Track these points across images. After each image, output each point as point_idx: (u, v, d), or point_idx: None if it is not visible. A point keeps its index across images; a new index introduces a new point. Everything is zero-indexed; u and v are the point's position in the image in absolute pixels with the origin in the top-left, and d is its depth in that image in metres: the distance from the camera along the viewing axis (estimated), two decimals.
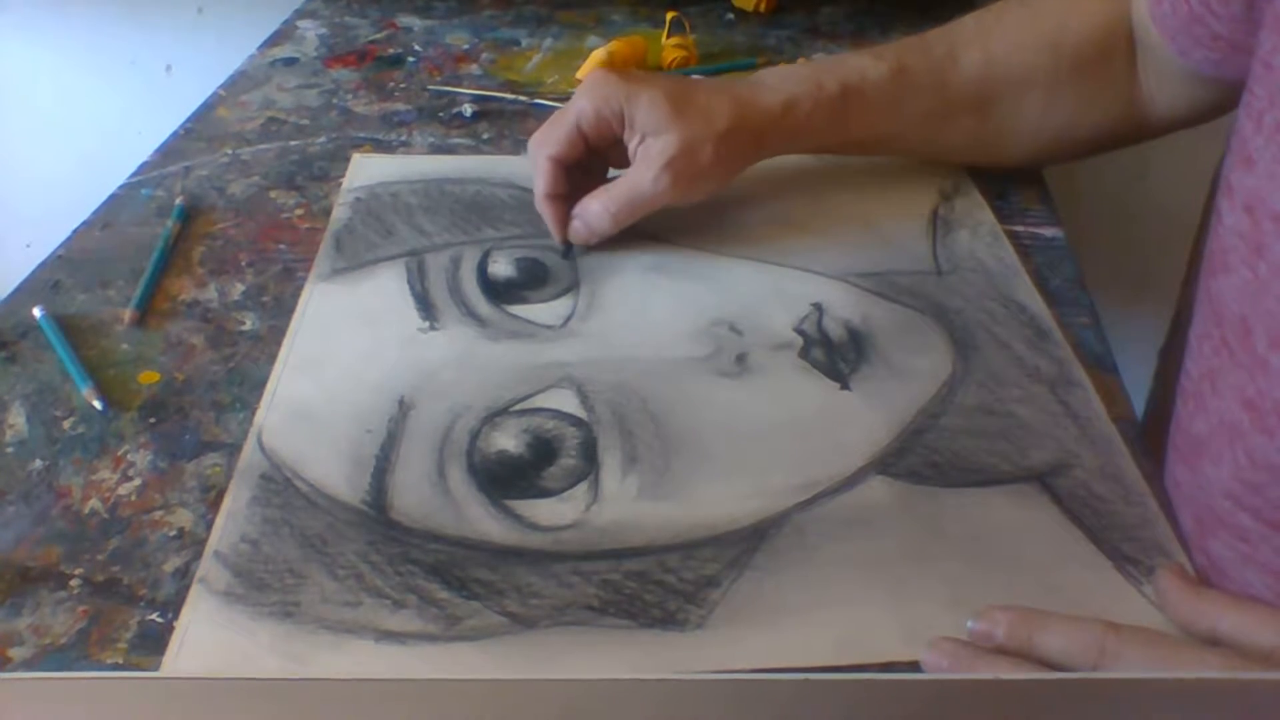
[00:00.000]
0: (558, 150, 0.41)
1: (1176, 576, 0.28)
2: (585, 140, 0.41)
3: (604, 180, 0.42)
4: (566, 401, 0.35)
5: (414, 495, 0.32)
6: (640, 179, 0.40)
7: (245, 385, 0.37)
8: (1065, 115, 0.44)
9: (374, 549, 0.30)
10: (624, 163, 0.42)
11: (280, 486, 0.32)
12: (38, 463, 0.33)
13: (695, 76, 0.45)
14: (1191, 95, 0.42)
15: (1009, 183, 0.48)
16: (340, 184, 0.48)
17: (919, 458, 0.33)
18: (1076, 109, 0.44)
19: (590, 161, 0.42)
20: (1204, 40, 0.37)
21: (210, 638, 0.27)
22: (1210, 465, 0.30)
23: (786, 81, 0.42)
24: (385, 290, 0.41)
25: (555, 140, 0.41)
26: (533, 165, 0.42)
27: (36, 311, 0.40)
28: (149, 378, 0.37)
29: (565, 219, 0.42)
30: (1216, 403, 0.30)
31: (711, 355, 0.38)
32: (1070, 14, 0.43)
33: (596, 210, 0.41)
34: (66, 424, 0.35)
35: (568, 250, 0.42)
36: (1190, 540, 0.30)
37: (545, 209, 0.42)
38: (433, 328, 0.39)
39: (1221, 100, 0.41)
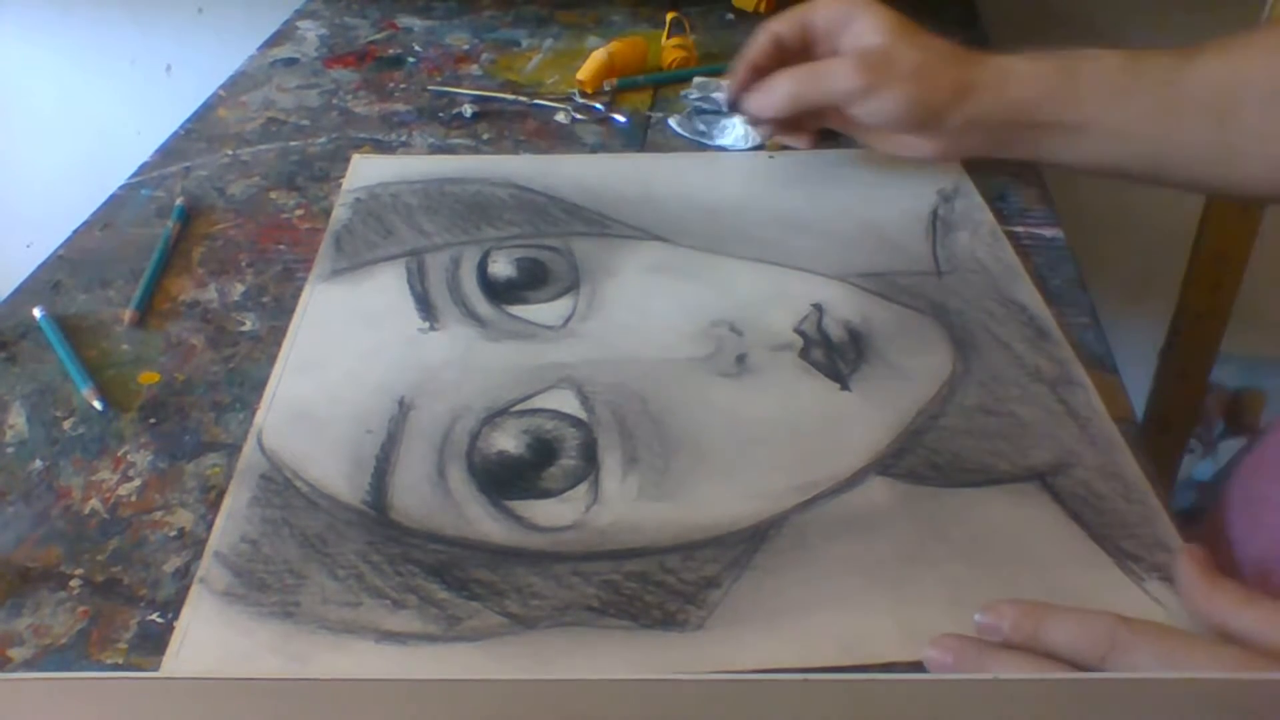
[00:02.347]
0: (781, 26, 0.42)
1: (1197, 564, 0.27)
2: (810, 30, 0.42)
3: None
4: (566, 402, 0.35)
5: (414, 496, 0.32)
6: (830, 62, 0.40)
7: (245, 385, 0.37)
8: None
9: (374, 549, 0.30)
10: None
11: (280, 487, 0.32)
12: (38, 463, 0.33)
13: None
14: None
15: (1009, 183, 0.48)
16: (340, 184, 0.48)
17: (919, 458, 0.33)
18: None
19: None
20: None
21: (211, 638, 0.27)
22: None
23: (1007, 55, 0.40)
24: (385, 290, 0.41)
25: (783, 19, 0.42)
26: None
27: (36, 311, 0.40)
28: (149, 378, 0.37)
29: (747, 85, 0.43)
30: None
31: (711, 356, 0.38)
32: None
33: (776, 80, 0.41)
34: (66, 424, 0.35)
35: (731, 111, 0.45)
36: (1253, 562, 0.29)
37: (739, 68, 0.43)
38: (433, 328, 0.39)
39: None
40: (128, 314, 0.40)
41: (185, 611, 0.28)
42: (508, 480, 0.32)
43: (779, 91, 0.41)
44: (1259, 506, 0.33)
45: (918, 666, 0.27)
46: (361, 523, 0.31)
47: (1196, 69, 0.38)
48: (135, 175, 0.49)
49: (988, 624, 0.27)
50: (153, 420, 0.35)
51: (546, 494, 0.32)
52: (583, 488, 0.32)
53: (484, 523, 0.31)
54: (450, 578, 0.29)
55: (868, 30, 0.40)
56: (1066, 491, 0.32)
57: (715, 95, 0.54)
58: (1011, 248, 0.44)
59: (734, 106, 0.44)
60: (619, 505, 0.31)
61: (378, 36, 0.65)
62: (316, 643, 0.27)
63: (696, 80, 0.55)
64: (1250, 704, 0.20)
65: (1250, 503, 0.34)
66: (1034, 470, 0.33)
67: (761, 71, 0.43)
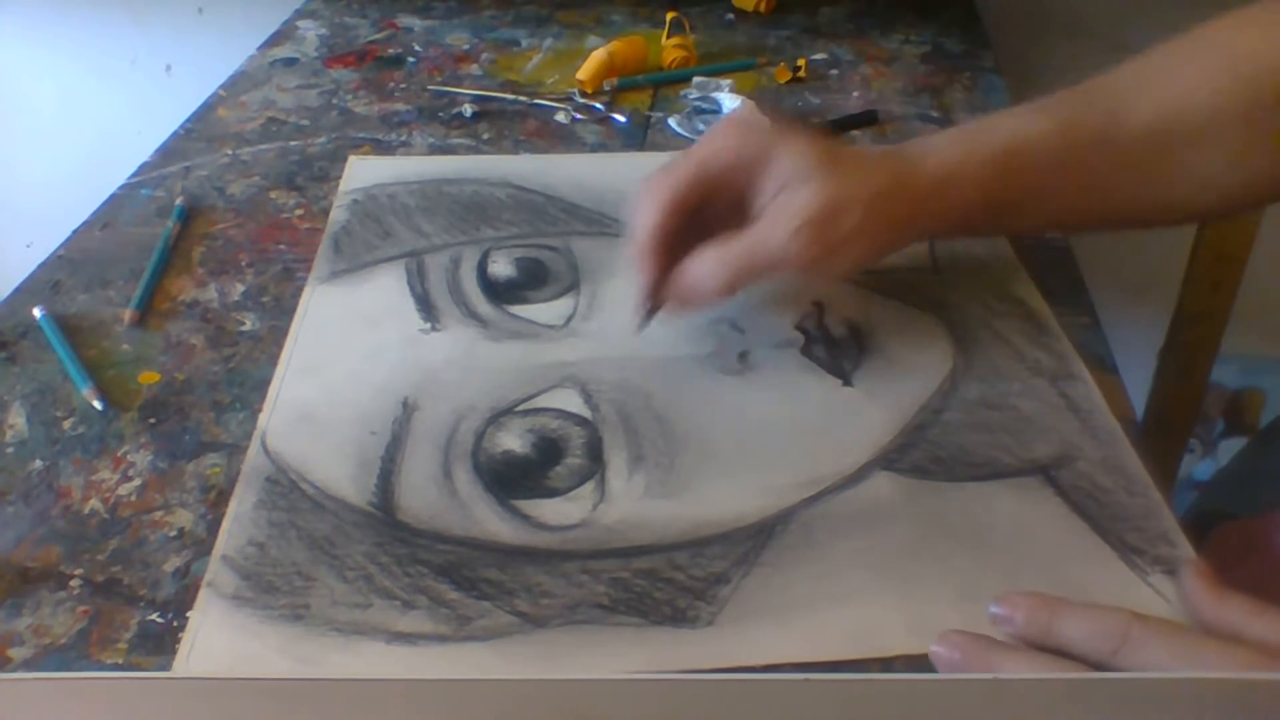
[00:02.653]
0: (676, 192, 0.32)
1: (1201, 577, 0.27)
2: (712, 182, 0.33)
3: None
4: (570, 401, 0.35)
5: (421, 496, 0.32)
6: (770, 234, 0.32)
7: (245, 385, 0.36)
8: (1265, 161, 0.37)
9: (382, 550, 0.30)
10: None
11: (286, 489, 0.32)
12: (38, 463, 0.33)
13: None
14: None
15: None
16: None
17: (923, 452, 0.33)
18: (1274, 154, 0.36)
19: (693, 232, 0.34)
20: None
21: (220, 642, 0.27)
22: None
23: (938, 148, 0.35)
24: (385, 291, 0.41)
25: (678, 174, 0.33)
26: (639, 206, 0.33)
27: (36, 311, 0.39)
28: (149, 378, 0.37)
29: (658, 278, 0.33)
30: None
31: (714, 353, 0.38)
32: (1261, 47, 0.36)
33: (707, 267, 0.32)
34: (66, 424, 0.35)
35: (646, 322, 0.34)
36: None
37: (643, 260, 0.33)
38: (434, 328, 0.39)
39: None
40: (128, 314, 0.39)
41: (194, 615, 0.28)
42: (514, 480, 0.32)
43: (713, 279, 0.32)
44: None
45: (925, 659, 0.27)
46: (369, 524, 0.31)
47: (1132, 114, 0.36)
48: (135, 175, 0.49)
49: (1002, 615, 0.27)
50: (153, 420, 0.35)
51: (553, 493, 0.32)
52: (589, 486, 0.32)
53: (491, 522, 0.31)
54: (459, 578, 0.29)
55: (789, 172, 0.32)
56: (1069, 485, 0.32)
57: (715, 95, 0.54)
58: (1008, 244, 0.44)
59: (652, 309, 0.33)
60: (626, 503, 0.31)
61: (378, 36, 0.65)
62: (327, 645, 0.27)
63: (696, 80, 0.55)
64: (1264, 704, 0.20)
65: None
66: (1037, 464, 0.33)
67: (667, 256, 0.33)
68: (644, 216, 0.33)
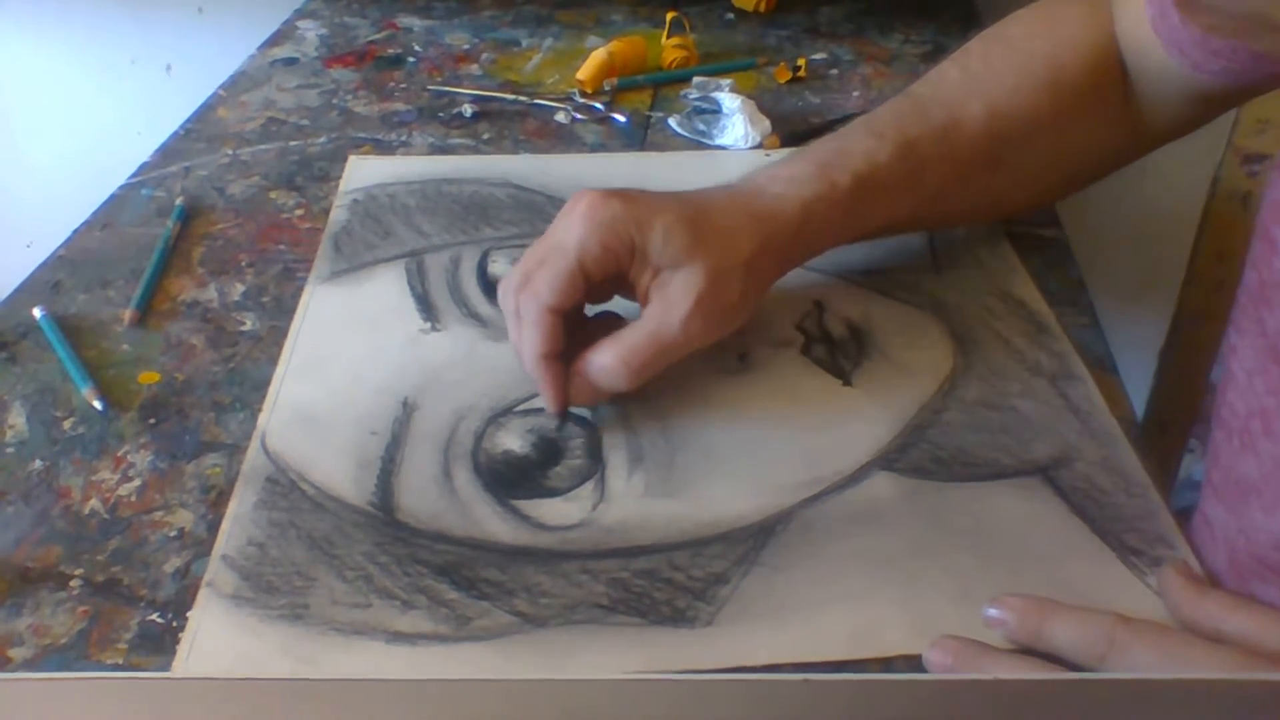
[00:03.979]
0: (558, 298, 0.32)
1: (1181, 575, 0.28)
2: (588, 282, 0.33)
3: (584, 319, 0.35)
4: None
5: (420, 496, 0.32)
6: (666, 322, 0.33)
7: (245, 385, 0.36)
8: (1073, 151, 0.42)
9: (382, 550, 0.30)
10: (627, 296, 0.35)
11: (286, 489, 0.32)
12: (38, 463, 0.33)
13: (699, 190, 0.36)
14: (1195, 105, 0.40)
15: None
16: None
17: (923, 453, 0.33)
18: (1083, 142, 0.41)
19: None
20: (1223, 52, 0.36)
21: (220, 641, 0.27)
22: (1260, 512, 0.29)
23: (797, 185, 0.36)
24: (386, 291, 0.41)
25: (554, 286, 0.32)
26: (518, 314, 0.33)
27: (36, 311, 0.39)
28: (149, 378, 0.37)
29: (565, 381, 0.33)
30: (1270, 446, 0.28)
31: (714, 353, 0.37)
32: (1059, 48, 0.41)
33: (608, 364, 0.33)
34: (66, 424, 0.35)
35: (564, 422, 0.34)
36: (1226, 581, 0.29)
37: (543, 371, 0.33)
38: (434, 328, 0.39)
39: (1227, 102, 0.40)
40: (128, 314, 0.39)
41: (194, 615, 0.28)
42: (514, 480, 0.32)
43: (619, 374, 0.33)
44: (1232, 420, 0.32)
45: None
46: (369, 524, 0.31)
47: (965, 130, 0.39)
48: (135, 175, 0.49)
49: (996, 618, 0.27)
50: (153, 420, 0.35)
51: (553, 493, 0.32)
52: (589, 486, 0.32)
53: (491, 522, 0.31)
54: (459, 577, 0.29)
55: (660, 256, 0.33)
56: (1068, 485, 0.32)
57: (715, 95, 0.54)
58: (1008, 244, 0.44)
59: (565, 409, 0.33)
60: (626, 503, 0.32)
61: (378, 36, 0.65)
62: (327, 644, 0.27)
63: (696, 80, 0.55)
64: (1248, 704, 0.20)
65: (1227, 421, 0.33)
66: (1036, 464, 0.33)
67: (563, 355, 0.33)
68: (534, 334, 0.33)
